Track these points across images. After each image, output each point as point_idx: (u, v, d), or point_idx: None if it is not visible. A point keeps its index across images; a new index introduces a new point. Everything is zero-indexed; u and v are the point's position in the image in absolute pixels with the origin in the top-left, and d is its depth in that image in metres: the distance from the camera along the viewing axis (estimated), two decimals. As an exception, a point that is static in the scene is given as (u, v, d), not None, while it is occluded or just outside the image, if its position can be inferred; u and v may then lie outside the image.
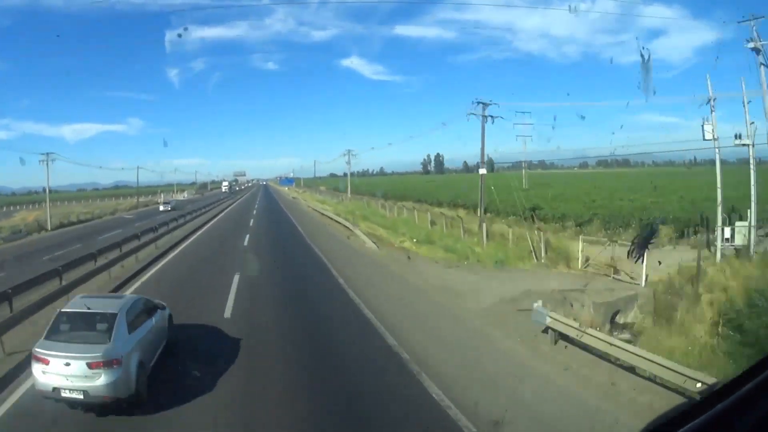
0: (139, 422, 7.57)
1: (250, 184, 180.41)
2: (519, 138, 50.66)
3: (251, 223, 39.97)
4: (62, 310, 8.55)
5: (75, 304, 8.84)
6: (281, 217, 46.36)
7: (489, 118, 30.56)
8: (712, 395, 2.26)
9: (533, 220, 29.31)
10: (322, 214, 44.74)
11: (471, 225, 29.59)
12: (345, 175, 77.97)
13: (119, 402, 7.62)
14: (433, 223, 33.51)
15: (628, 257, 14.02)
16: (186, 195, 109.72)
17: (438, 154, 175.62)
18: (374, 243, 26.82)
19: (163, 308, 10.52)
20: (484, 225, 26.76)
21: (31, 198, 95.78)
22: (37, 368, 7.63)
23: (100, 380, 7.47)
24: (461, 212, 38.65)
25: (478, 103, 30.37)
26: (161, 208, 59.15)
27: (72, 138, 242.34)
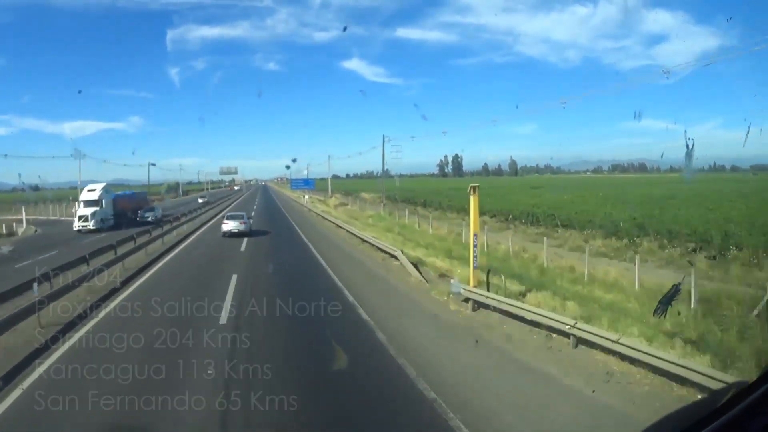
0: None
1: (238, 188, 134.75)
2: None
3: None
4: (227, 213, 34.47)
5: (230, 211, 37.58)
6: None
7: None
8: (726, 402, 2.25)
9: None
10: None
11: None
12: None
13: (247, 233, 29.57)
14: None
15: (654, 315, 14.99)
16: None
17: (456, 155, 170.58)
18: None
19: (251, 217, 33.82)
20: None
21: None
22: (223, 225, 29.94)
23: (244, 226, 29.88)
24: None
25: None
26: None
27: (72, 135, 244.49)
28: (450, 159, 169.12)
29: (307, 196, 66.26)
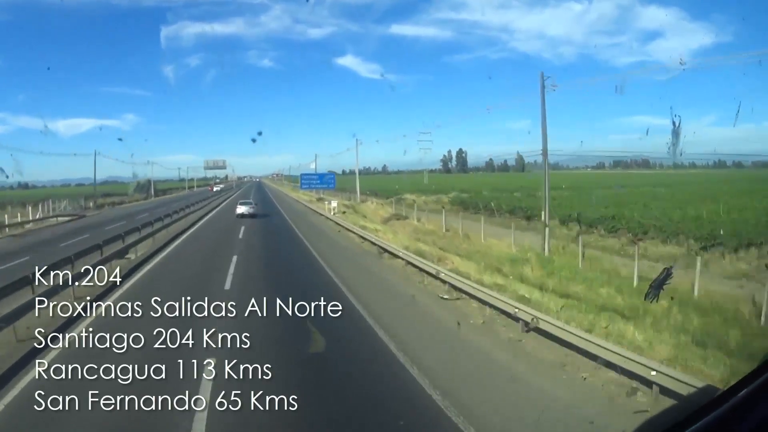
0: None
1: (219, 188, 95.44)
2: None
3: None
4: (240, 201, 43.10)
5: (243, 199, 46.62)
6: None
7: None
8: (710, 402, 2.26)
9: None
10: None
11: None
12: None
13: (255, 215, 38.77)
14: None
15: (645, 299, 14.63)
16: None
17: (460, 149, 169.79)
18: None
19: (256, 204, 42.10)
20: None
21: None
22: (237, 209, 39.51)
23: (252, 209, 39.34)
24: None
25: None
26: None
27: (66, 132, 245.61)
28: (454, 154, 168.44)
29: (334, 203, 42.28)
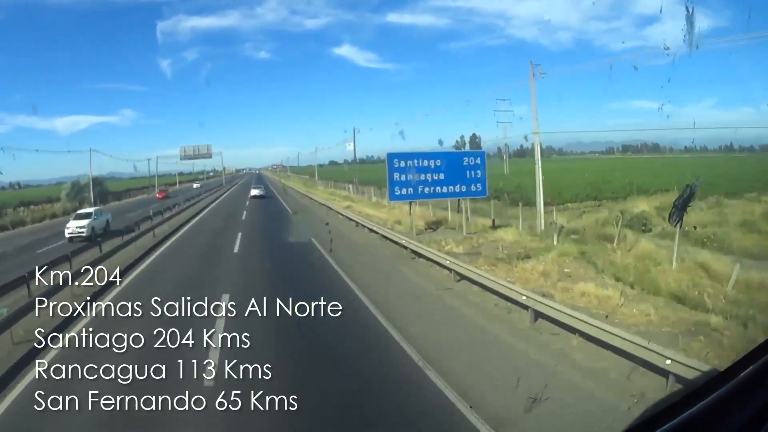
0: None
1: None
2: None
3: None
4: (253, 185, 47.72)
5: (253, 190, 45.21)
6: None
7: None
8: (707, 384, 2.27)
9: None
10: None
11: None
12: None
13: (264, 197, 43.37)
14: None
15: (669, 221, 13.54)
16: None
17: (474, 135, 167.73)
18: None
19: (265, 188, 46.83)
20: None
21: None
22: (251, 192, 43.75)
23: (264, 191, 43.98)
24: None
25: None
26: None
27: (64, 130, 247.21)
28: (468, 139, 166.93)
29: None
